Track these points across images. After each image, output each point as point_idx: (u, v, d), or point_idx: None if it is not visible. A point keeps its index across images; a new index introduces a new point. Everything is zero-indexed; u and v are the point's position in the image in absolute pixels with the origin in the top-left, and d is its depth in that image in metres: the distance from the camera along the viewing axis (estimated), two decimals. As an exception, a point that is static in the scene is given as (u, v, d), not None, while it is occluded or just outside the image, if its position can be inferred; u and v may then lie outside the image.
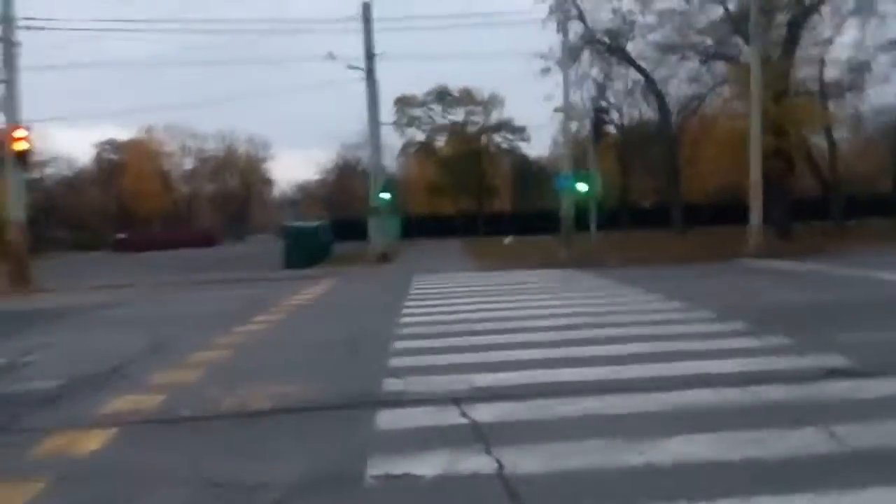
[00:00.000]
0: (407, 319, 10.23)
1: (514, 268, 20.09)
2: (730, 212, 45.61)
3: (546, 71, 35.60)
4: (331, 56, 22.32)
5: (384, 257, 23.80)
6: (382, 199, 23.33)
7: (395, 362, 7.04)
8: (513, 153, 48.28)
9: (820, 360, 6.24)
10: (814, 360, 6.23)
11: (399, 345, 8.10)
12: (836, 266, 16.03)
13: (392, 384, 6.10)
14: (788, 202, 23.98)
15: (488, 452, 4.16)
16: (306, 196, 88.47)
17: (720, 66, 35.59)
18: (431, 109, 47.39)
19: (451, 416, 4.97)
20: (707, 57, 32.96)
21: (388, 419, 5.04)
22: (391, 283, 16.86)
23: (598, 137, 21.51)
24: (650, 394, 5.32)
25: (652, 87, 33.15)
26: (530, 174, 53.75)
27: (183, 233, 59.64)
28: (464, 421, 4.86)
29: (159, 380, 6.66)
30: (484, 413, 4.98)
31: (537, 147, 71.21)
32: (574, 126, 23.46)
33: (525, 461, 3.98)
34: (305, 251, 25.77)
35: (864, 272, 14.24)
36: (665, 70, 34.00)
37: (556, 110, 38.23)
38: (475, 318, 9.98)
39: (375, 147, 23.89)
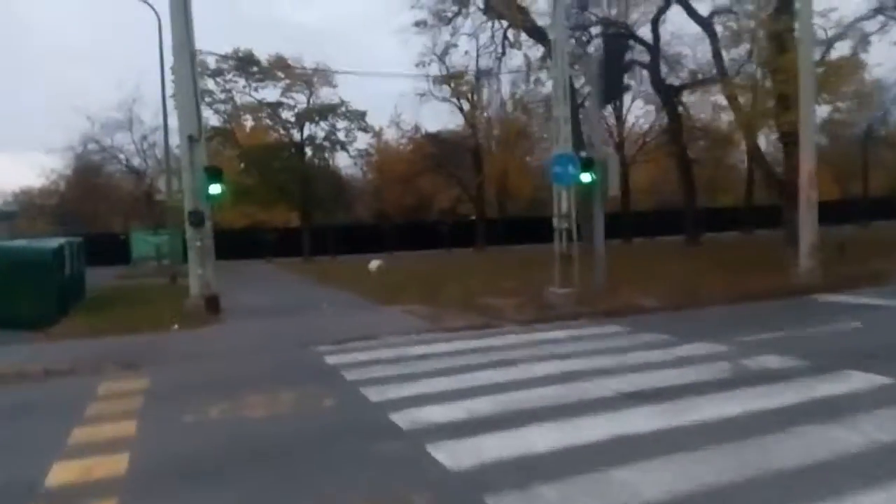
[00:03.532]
0: None
1: (494, 324, 11.14)
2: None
3: (422, 25, 27.38)
4: None
5: (212, 305, 13.09)
6: (213, 196, 12.64)
7: None
8: (350, 148, 38.36)
9: None
10: None
11: None
12: None
13: None
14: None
15: None
16: (28, 208, 68.67)
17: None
18: (232, 83, 35.72)
19: None
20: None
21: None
22: (310, 412, 6.93)
23: (611, 96, 13.27)
24: None
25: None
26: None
27: None
28: None
29: None
30: None
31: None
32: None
33: None
34: (38, 295, 14.04)
35: None
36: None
37: (452, 77, 30.00)
38: None
39: (187, 103, 13.10)
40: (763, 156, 22.39)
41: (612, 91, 12.94)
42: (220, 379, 8.14)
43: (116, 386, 7.98)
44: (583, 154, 12.90)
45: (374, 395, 6.84)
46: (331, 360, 8.91)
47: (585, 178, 12.59)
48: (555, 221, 12.63)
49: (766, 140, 25.61)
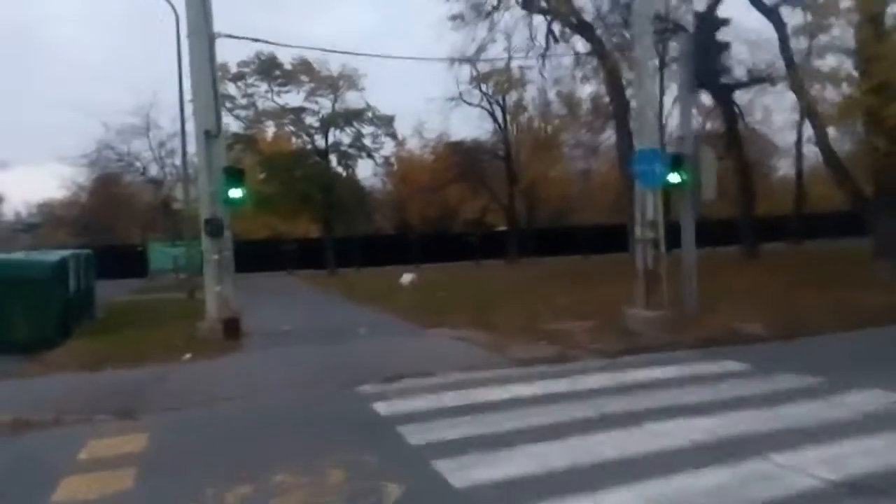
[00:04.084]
0: None
1: (572, 356, 9.10)
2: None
3: (458, 19, 25.48)
4: None
5: (231, 328, 11.19)
6: (234, 200, 10.80)
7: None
8: (376, 155, 36.55)
9: None
10: None
11: None
12: None
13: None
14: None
15: None
16: (51, 219, 67.96)
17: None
18: (254, 87, 34.10)
19: None
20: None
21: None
22: None
23: (707, 79, 11.29)
24: None
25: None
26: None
27: None
28: None
29: None
30: None
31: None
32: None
33: None
34: (35, 315, 12.34)
35: None
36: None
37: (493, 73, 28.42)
38: None
39: (204, 95, 11.29)
40: (838, 157, 20.10)
41: (707, 72, 10.89)
42: (237, 440, 6.17)
43: (105, 446, 6.06)
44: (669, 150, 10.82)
45: (454, 474, 4.82)
46: (381, 408, 6.92)
47: (674, 178, 10.54)
48: (637, 231, 10.55)
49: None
